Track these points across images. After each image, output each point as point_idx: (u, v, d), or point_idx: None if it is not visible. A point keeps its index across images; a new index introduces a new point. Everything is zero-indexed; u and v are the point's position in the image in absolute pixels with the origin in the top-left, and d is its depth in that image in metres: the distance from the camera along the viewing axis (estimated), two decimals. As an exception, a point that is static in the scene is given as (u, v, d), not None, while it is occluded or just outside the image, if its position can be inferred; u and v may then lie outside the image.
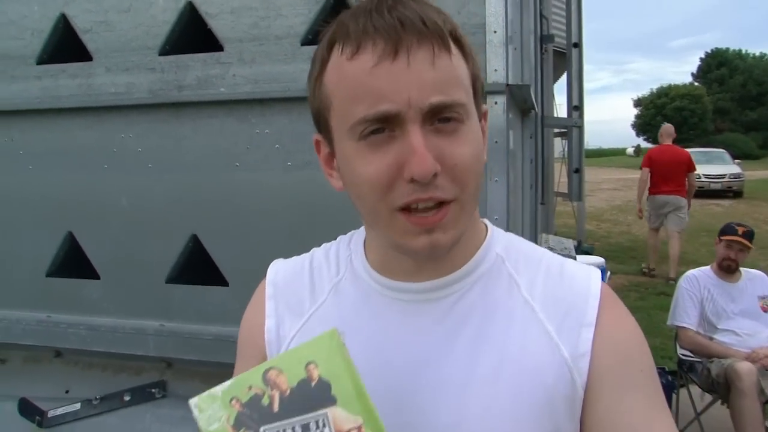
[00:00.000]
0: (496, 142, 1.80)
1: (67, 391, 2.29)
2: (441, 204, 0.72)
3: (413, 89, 0.69)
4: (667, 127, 8.99)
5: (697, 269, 4.22)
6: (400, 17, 0.69)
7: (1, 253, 2.35)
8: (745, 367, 3.47)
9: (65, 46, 2.19)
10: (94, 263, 2.24)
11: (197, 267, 2.15)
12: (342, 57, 0.72)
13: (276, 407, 0.65)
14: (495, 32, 1.78)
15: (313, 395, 0.65)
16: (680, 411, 4.12)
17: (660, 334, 5.99)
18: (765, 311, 3.94)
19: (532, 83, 2.43)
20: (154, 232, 2.15)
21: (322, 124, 0.80)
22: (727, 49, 60.71)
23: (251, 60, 1.98)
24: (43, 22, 2.18)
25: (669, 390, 4.13)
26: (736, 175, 19.22)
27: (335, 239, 0.98)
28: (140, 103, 2.10)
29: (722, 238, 4.14)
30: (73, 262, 2.28)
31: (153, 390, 2.20)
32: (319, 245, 0.99)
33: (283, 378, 0.65)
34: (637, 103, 62.46)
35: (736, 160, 21.05)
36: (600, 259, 5.91)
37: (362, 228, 0.92)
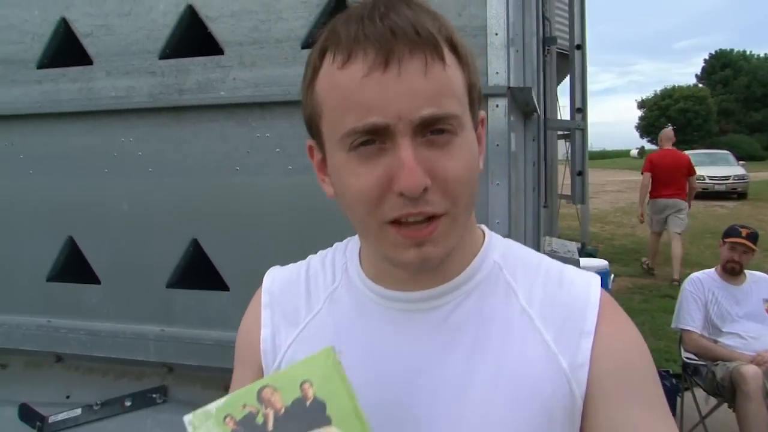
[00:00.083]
0: (497, 145, 1.79)
1: (67, 397, 2.28)
2: (432, 218, 0.71)
3: (404, 101, 0.67)
4: (667, 132, 9.10)
5: (701, 272, 4.21)
6: (391, 26, 0.67)
7: (1, 258, 2.34)
8: (750, 371, 3.45)
9: (66, 50, 2.19)
10: (94, 268, 2.23)
11: (198, 271, 2.14)
12: (333, 65, 0.70)
13: (270, 426, 0.64)
14: (496, 34, 1.77)
15: (307, 415, 0.64)
16: (685, 414, 4.11)
17: (664, 336, 5.98)
18: (770, 314, 3.92)
19: (534, 86, 2.42)
20: (154, 237, 2.15)
21: (314, 130, 0.78)
22: (732, 50, 60.66)
23: (252, 63, 1.97)
24: (44, 26, 2.18)
25: (673, 393, 4.11)
26: (741, 177, 19.18)
27: (333, 245, 0.97)
28: (140, 106, 2.09)
29: (726, 240, 4.12)
30: (73, 267, 2.27)
31: (154, 395, 2.19)
32: (321, 249, 0.98)
33: (278, 396, 0.65)
34: (641, 104, 62.39)
35: (741, 162, 21.00)
36: (603, 262, 5.88)
37: (357, 236, 0.91)
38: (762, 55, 59.79)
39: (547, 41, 4.16)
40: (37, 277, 2.29)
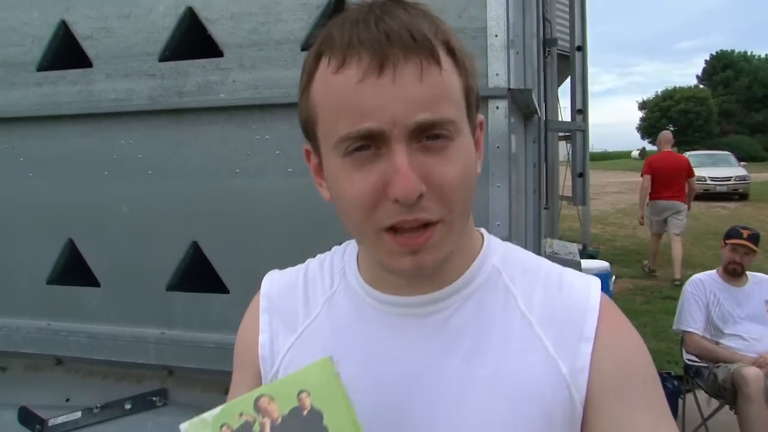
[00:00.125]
0: (497, 147, 1.78)
1: (67, 400, 2.27)
2: (427, 224, 0.70)
3: (398, 107, 0.66)
4: (666, 134, 9.19)
5: (702, 273, 4.19)
6: (387, 30, 0.66)
7: (1, 260, 2.34)
8: (751, 373, 3.44)
9: (65, 52, 2.19)
10: (94, 270, 2.23)
11: (198, 274, 2.13)
12: (328, 70, 0.69)
13: None
14: (496, 36, 1.77)
15: (304, 424, 0.63)
16: (687, 417, 4.10)
17: (666, 338, 5.98)
18: (772, 315, 3.91)
19: (534, 87, 2.42)
20: (154, 239, 2.14)
21: (310, 134, 0.78)
22: (733, 51, 60.73)
23: (251, 65, 1.97)
24: (44, 28, 2.18)
25: (675, 395, 4.11)
26: (742, 178, 19.19)
27: (332, 248, 0.97)
28: (140, 109, 2.09)
29: (727, 241, 4.11)
30: (73, 270, 2.27)
31: (154, 398, 2.18)
32: (320, 252, 0.98)
33: (275, 406, 0.64)
34: (642, 105, 62.45)
35: (742, 163, 21.03)
36: (605, 263, 5.88)
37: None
38: (763, 55, 59.77)
39: (547, 43, 4.16)
40: (37, 279, 2.29)
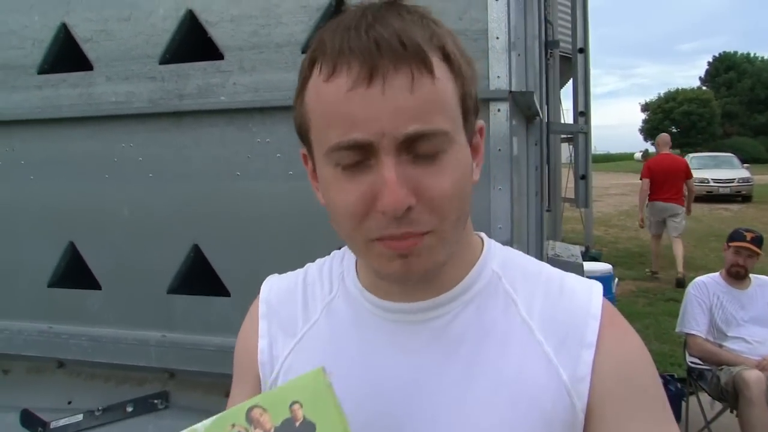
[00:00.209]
0: (499, 150, 1.78)
1: (69, 402, 2.27)
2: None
3: (387, 118, 0.65)
4: (664, 136, 9.31)
5: (705, 276, 4.18)
6: (377, 38, 0.65)
7: (2, 264, 2.34)
8: (753, 376, 3.43)
9: (66, 55, 2.19)
10: (95, 273, 2.23)
11: (199, 277, 2.13)
12: (320, 77, 0.68)
13: None
14: (497, 38, 1.76)
15: None
16: (690, 419, 4.09)
17: (669, 340, 5.96)
18: (776, 318, 3.90)
19: (536, 89, 2.41)
20: (155, 242, 2.14)
21: (304, 139, 0.77)
22: (735, 52, 60.68)
23: (251, 68, 1.97)
24: (44, 31, 2.18)
25: (678, 398, 4.10)
26: (745, 180, 19.17)
27: (331, 253, 0.96)
28: (141, 112, 2.09)
29: (730, 244, 4.09)
30: (74, 273, 2.27)
31: (155, 401, 2.18)
32: (321, 254, 0.97)
33: (267, 417, 0.64)
34: (645, 107, 62.39)
35: (745, 164, 21.01)
36: (607, 266, 5.87)
37: None
38: (766, 57, 59.85)
39: (549, 44, 4.15)
40: (39, 282, 2.29)
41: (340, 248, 0.95)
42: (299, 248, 1.88)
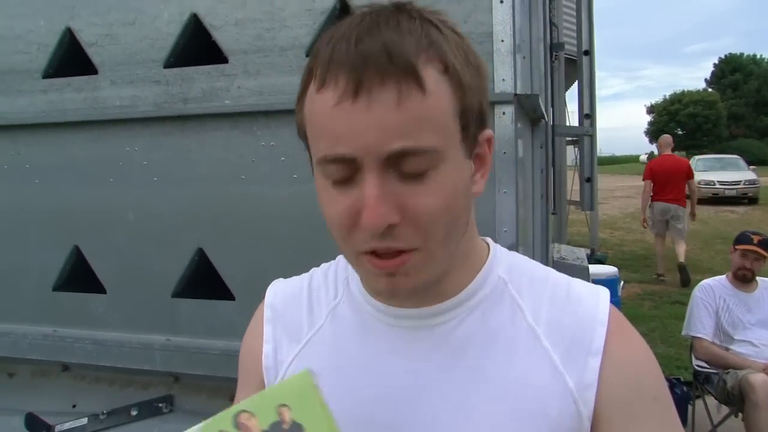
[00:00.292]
0: (504, 153, 1.77)
1: (74, 406, 2.28)
2: (402, 251, 0.68)
3: (371, 134, 0.63)
4: (666, 138, 9.37)
5: (712, 278, 4.17)
6: (364, 51, 0.63)
7: (8, 267, 2.35)
8: (759, 379, 3.41)
9: (71, 59, 2.19)
10: (100, 277, 2.23)
11: (203, 281, 2.13)
12: (313, 87, 0.67)
13: None
14: (502, 41, 1.76)
15: None
16: (696, 423, 4.07)
17: (675, 343, 5.94)
18: (783, 321, 3.88)
19: (541, 92, 2.41)
20: (159, 246, 2.14)
21: (304, 144, 0.77)
22: (742, 54, 60.60)
23: (256, 72, 1.97)
24: (49, 36, 2.18)
25: (684, 401, 4.08)
26: (751, 182, 19.11)
27: (337, 257, 0.95)
28: (145, 116, 2.09)
29: (737, 247, 4.07)
30: (79, 276, 2.27)
31: (160, 404, 2.18)
32: (325, 258, 0.97)
33: (255, 421, 0.63)
34: (650, 109, 62.36)
35: (751, 166, 20.96)
36: (613, 269, 5.85)
37: None
38: (772, 58, 59.56)
39: (554, 47, 4.15)
40: (44, 286, 2.29)
41: None
42: (304, 252, 1.88)
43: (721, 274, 4.18)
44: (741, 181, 19.01)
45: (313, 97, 0.67)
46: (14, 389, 2.38)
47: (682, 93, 56.98)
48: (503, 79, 1.76)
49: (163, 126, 2.09)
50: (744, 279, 3.98)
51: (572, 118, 6.75)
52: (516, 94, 1.77)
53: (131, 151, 2.13)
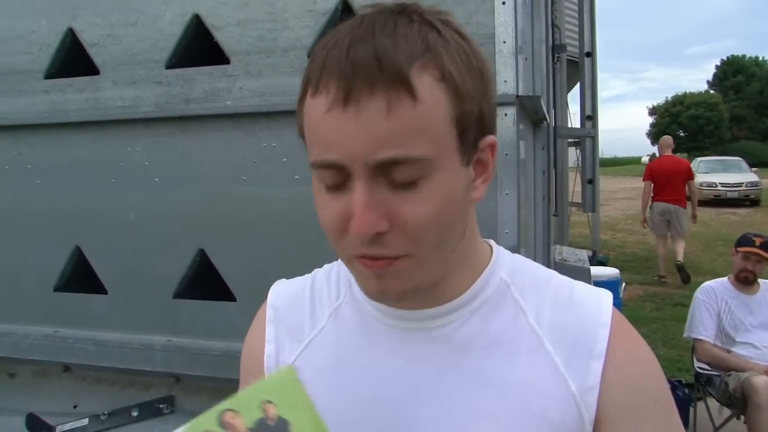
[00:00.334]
0: (506, 154, 1.77)
1: (75, 406, 2.27)
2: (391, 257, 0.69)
3: (359, 143, 0.63)
4: (666, 139, 9.47)
5: (713, 281, 4.16)
6: (354, 58, 0.63)
7: (9, 268, 2.35)
8: (761, 381, 3.41)
9: (73, 60, 2.19)
10: (101, 278, 2.23)
11: (205, 282, 2.13)
12: (310, 92, 0.67)
13: None
14: (504, 42, 1.75)
15: None
16: (698, 425, 4.06)
17: (676, 345, 5.94)
18: (785, 324, 3.88)
19: (543, 94, 2.40)
20: (161, 247, 2.14)
21: (305, 146, 0.77)
22: (744, 56, 60.58)
23: (258, 73, 1.97)
24: (51, 36, 2.18)
25: (686, 404, 4.07)
26: (754, 184, 19.11)
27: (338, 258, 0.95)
28: (147, 116, 2.09)
29: (739, 249, 4.07)
30: (80, 277, 2.27)
31: (161, 405, 2.18)
32: (327, 260, 0.97)
33: (240, 420, 0.63)
34: (652, 111, 62.33)
35: (753, 168, 20.96)
36: (614, 270, 5.85)
37: None
38: (775, 61, 59.55)
39: (556, 49, 4.15)
40: (45, 286, 2.29)
41: None
42: (305, 253, 1.87)
43: (722, 277, 4.18)
44: (743, 183, 19.02)
45: (309, 101, 0.67)
46: (15, 390, 2.38)
47: (684, 95, 56.97)
48: (505, 81, 1.76)
49: (165, 127, 2.09)
50: (746, 281, 3.98)
51: (574, 120, 6.74)
52: (518, 96, 1.77)
53: (133, 152, 2.13)
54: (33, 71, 2.21)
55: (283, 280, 0.97)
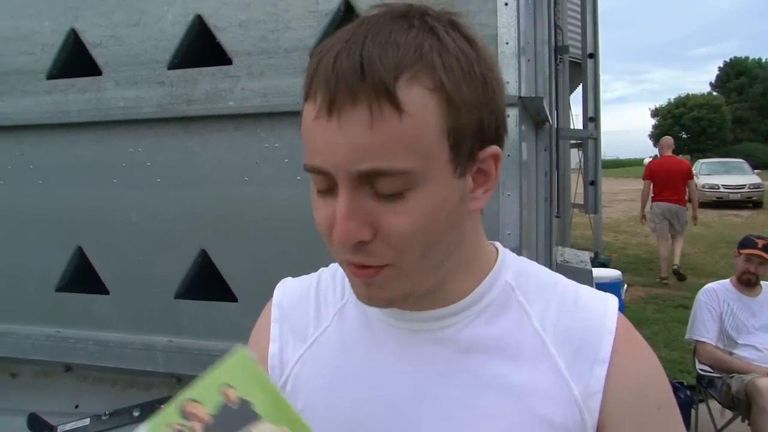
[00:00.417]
0: (508, 156, 1.76)
1: (76, 406, 2.27)
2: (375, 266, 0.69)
3: (341, 153, 0.63)
4: (667, 139, 9.57)
5: (715, 282, 4.16)
6: (340, 68, 0.62)
7: (11, 268, 2.35)
8: (765, 383, 3.40)
9: (75, 60, 2.19)
10: (103, 278, 2.23)
11: (206, 282, 2.13)
12: (305, 96, 0.68)
13: None
14: (507, 43, 1.75)
15: (236, 416, 0.63)
16: (700, 428, 4.06)
17: (678, 347, 5.93)
18: (787, 326, 3.87)
19: (546, 95, 2.40)
20: (162, 247, 2.14)
21: None
22: (747, 58, 60.56)
23: (260, 73, 1.96)
24: (53, 36, 2.18)
25: (688, 406, 4.07)
26: (756, 186, 19.10)
27: None
28: (149, 117, 2.09)
29: (741, 251, 4.06)
30: (82, 277, 2.27)
31: (162, 406, 2.17)
32: (328, 261, 0.96)
33: (202, 408, 0.63)
34: (655, 113, 62.35)
35: (756, 170, 20.93)
36: (617, 272, 5.84)
37: None
38: (778, 62, 59.49)
39: (559, 50, 4.15)
40: (46, 287, 2.29)
41: None
42: (307, 254, 1.86)
43: (725, 278, 4.17)
44: (745, 185, 19.01)
45: (305, 105, 0.68)
46: (17, 390, 2.38)
47: (687, 96, 56.95)
48: (507, 82, 1.75)
49: (167, 127, 2.09)
50: (748, 283, 3.97)
51: (576, 121, 6.73)
52: (520, 97, 1.77)
53: (135, 152, 2.13)
54: (35, 72, 2.21)
55: (290, 278, 0.97)
